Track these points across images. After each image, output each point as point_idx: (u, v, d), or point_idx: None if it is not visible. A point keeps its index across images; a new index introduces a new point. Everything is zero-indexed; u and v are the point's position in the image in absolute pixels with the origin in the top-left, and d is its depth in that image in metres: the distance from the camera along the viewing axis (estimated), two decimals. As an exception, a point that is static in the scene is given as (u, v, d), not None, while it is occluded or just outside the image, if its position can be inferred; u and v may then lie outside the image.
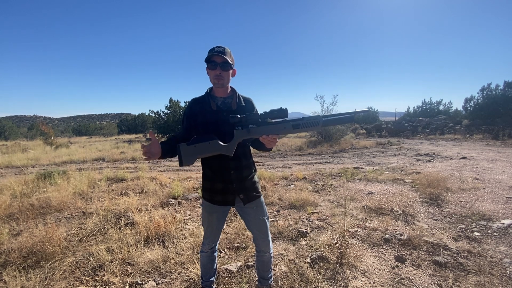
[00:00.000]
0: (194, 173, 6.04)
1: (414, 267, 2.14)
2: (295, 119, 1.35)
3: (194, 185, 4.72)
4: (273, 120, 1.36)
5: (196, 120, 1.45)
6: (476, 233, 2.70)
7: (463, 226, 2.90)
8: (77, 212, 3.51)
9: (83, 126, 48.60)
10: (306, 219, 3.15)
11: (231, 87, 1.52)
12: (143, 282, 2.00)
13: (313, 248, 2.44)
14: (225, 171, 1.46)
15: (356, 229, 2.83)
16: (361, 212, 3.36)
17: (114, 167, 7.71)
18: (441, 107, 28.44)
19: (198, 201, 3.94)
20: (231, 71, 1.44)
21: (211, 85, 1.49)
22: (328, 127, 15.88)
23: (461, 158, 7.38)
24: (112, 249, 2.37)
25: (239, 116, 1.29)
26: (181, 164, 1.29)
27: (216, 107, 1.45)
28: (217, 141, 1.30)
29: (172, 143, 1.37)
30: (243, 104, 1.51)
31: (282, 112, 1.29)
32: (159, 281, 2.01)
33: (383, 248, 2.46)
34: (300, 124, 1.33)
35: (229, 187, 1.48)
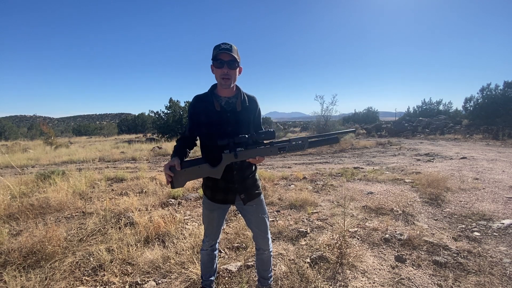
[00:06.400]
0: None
1: (414, 267, 2.14)
2: (281, 142, 1.40)
3: (194, 185, 4.72)
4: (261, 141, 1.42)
5: (200, 119, 1.44)
6: (476, 233, 2.70)
7: (463, 226, 2.90)
8: (77, 212, 3.51)
9: (83, 126, 48.54)
10: (306, 219, 3.15)
11: (236, 85, 1.48)
12: (143, 282, 2.00)
13: (313, 248, 2.44)
14: (228, 171, 1.45)
15: (356, 229, 2.83)
16: (361, 212, 3.36)
17: (114, 167, 7.71)
18: (441, 107, 28.41)
19: (198, 201, 3.94)
20: (238, 69, 1.41)
21: (214, 82, 1.47)
22: (328, 127, 15.91)
23: (461, 158, 7.38)
24: (112, 249, 2.37)
25: (227, 139, 1.33)
26: (172, 187, 1.38)
27: (220, 108, 1.42)
28: (206, 165, 1.39)
29: (182, 151, 1.46)
30: (248, 104, 1.48)
31: (269, 134, 1.35)
32: (159, 281, 2.01)
33: (383, 248, 2.46)
34: (286, 147, 1.39)
35: (230, 187, 1.49)
